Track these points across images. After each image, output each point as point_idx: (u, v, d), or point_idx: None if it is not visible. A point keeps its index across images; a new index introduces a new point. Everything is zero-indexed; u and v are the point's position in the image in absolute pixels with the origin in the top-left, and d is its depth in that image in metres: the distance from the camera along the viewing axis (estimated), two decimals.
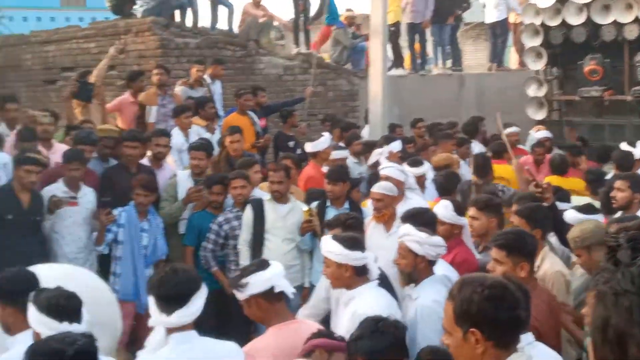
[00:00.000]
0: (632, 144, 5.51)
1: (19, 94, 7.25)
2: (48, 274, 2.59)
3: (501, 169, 5.41)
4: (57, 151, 4.79)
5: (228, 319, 4.10)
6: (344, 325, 2.67)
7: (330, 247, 2.79)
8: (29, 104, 7.37)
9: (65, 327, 1.99)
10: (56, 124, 5.30)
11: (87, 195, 4.48)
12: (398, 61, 9.23)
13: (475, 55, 12.74)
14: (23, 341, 2.13)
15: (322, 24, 9.36)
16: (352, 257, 2.73)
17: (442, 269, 3.08)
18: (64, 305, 2.09)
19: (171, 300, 2.16)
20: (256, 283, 2.49)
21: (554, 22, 7.37)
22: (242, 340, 2.79)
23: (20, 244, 4.03)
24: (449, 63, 9.78)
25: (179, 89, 6.58)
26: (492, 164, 5.23)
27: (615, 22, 7.05)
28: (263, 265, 2.57)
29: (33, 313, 2.11)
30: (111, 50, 6.72)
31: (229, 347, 2.43)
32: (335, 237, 2.92)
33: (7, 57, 9.38)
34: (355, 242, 2.85)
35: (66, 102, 6.00)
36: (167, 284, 2.21)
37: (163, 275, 2.29)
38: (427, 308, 2.61)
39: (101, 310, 2.73)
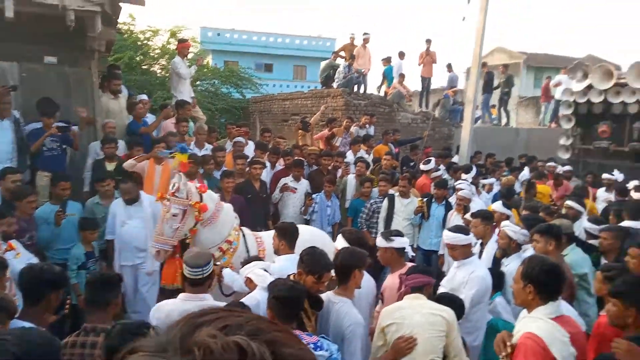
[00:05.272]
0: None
1: (270, 127, 12.07)
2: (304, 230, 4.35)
3: (541, 188, 7.97)
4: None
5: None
6: (459, 278, 3.86)
7: (456, 237, 3.96)
8: (275, 132, 11.27)
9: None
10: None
11: (303, 183, 7.13)
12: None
13: (525, 117, 18.62)
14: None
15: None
16: (468, 240, 3.96)
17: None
18: None
19: None
20: (398, 242, 3.77)
21: (581, 100, 11.13)
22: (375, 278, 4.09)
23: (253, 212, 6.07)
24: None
25: (354, 129, 10.45)
26: (536, 185, 7.71)
27: (622, 102, 10.50)
28: (401, 234, 3.89)
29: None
30: (322, 108, 11.31)
31: None
32: (451, 229, 4.07)
33: (264, 107, 15.63)
34: (466, 230, 4.11)
35: (295, 132, 10.44)
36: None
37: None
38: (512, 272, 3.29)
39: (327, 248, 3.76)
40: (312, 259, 3.10)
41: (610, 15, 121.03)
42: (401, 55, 14.01)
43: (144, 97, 8.67)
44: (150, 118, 8.24)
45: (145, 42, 17.22)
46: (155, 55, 17.46)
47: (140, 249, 5.54)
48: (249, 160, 7.14)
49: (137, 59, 16.39)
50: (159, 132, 7.96)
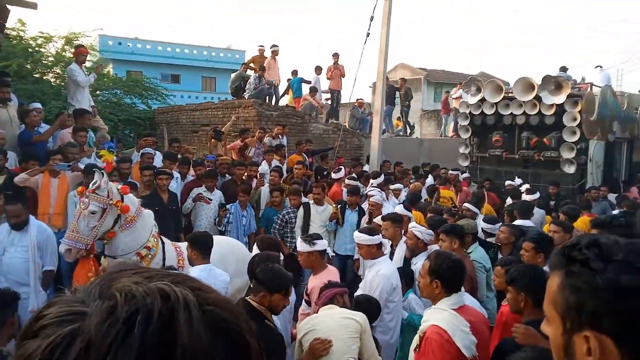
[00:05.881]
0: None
1: (179, 138, 11.61)
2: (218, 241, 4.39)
3: (444, 192, 8.80)
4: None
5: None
6: (369, 279, 4.05)
7: (361, 236, 4.22)
8: (185, 143, 11.52)
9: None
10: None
11: (217, 194, 7.07)
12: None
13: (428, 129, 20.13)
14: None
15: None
16: (373, 240, 4.15)
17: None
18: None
19: None
20: (320, 245, 4.03)
21: (476, 112, 12.06)
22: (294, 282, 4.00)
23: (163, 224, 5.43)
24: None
25: (266, 139, 10.41)
26: (439, 190, 8.57)
27: (511, 114, 11.50)
28: (321, 237, 4.12)
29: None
30: (232, 117, 11.56)
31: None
32: (359, 230, 4.32)
33: (172, 118, 15.29)
34: (373, 231, 4.29)
35: (209, 142, 10.34)
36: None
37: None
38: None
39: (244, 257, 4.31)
40: (275, 278, 3.06)
41: (497, 37, 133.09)
42: (318, 70, 14.15)
43: (38, 105, 8.06)
44: (44, 128, 7.70)
45: (37, 49, 15.89)
46: (49, 63, 16.15)
47: (22, 283, 4.83)
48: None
49: (28, 66, 15.12)
50: (55, 143, 7.51)
